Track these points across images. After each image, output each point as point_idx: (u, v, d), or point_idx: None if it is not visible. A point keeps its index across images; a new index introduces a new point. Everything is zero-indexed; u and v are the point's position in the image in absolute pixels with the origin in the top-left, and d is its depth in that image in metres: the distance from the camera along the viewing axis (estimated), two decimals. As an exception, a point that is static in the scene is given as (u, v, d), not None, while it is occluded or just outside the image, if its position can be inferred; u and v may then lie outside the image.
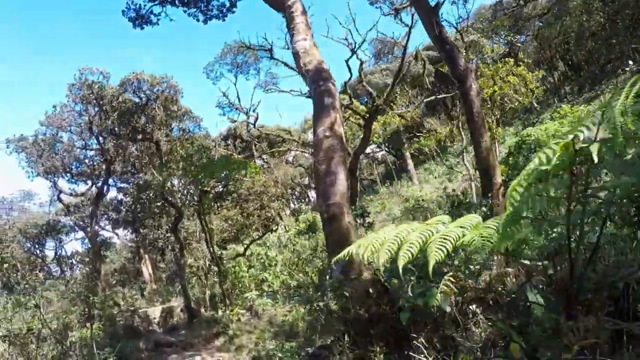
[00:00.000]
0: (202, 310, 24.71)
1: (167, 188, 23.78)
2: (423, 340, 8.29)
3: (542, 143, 23.01)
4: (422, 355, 8.48)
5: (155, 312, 27.04)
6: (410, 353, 8.80)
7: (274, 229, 29.17)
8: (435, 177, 47.51)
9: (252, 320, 21.37)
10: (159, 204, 40.27)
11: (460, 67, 16.28)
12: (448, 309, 7.49)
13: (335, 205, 12.30)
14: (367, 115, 25.97)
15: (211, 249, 23.77)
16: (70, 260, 47.57)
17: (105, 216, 47.56)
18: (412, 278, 8.92)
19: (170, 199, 24.53)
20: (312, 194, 54.81)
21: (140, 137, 27.92)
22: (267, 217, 28.11)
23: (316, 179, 13.38)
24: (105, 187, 38.71)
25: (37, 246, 45.98)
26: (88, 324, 22.28)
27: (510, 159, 23.51)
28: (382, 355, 8.65)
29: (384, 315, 9.57)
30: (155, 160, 31.87)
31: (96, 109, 32.24)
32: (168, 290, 33.95)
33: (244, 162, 19.49)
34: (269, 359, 14.55)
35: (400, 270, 4.93)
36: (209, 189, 22.07)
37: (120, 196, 46.05)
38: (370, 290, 9.88)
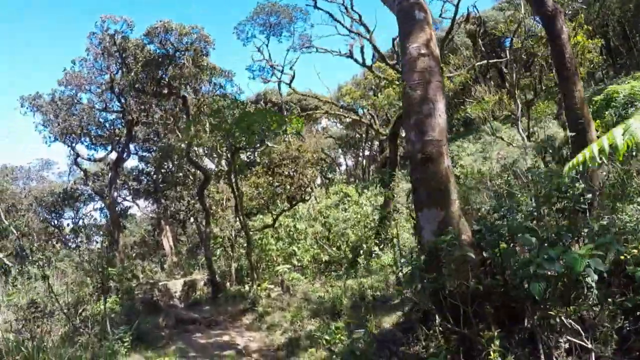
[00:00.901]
0: (228, 284, 22.80)
1: (193, 148, 21.74)
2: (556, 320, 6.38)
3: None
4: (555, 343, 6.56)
5: (176, 285, 25.20)
6: (535, 337, 6.91)
7: (306, 198, 26.95)
8: (468, 154, 45.30)
9: (284, 297, 19.39)
10: (181, 173, 38.69)
11: (548, 6, 13.95)
12: (595, 278, 5.63)
13: (433, 144, 9.92)
14: None
15: (240, 217, 21.75)
16: (88, 230, 45.75)
17: (126, 186, 45.77)
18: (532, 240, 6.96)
19: (196, 160, 22.58)
20: (343, 166, 53.10)
21: (165, 91, 25.38)
22: (299, 186, 25.92)
23: (407, 108, 10.63)
24: (126, 152, 36.26)
25: (53, 215, 44.02)
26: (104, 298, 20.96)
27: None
28: (497, 341, 6.62)
29: (491, 288, 7.55)
30: (181, 122, 29.51)
31: (119, 62, 29.82)
32: (189, 263, 32.13)
33: (283, 116, 17.08)
34: (311, 341, 12.59)
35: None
36: (242, 146, 19.86)
37: (141, 165, 44.39)
38: (472, 256, 7.89)
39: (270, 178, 26.55)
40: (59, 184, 48.64)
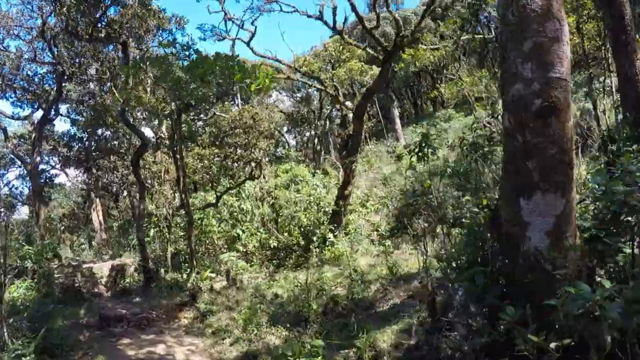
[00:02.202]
0: (163, 271, 19.78)
1: (132, 110, 18.49)
2: None
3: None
4: None
5: (103, 269, 22.02)
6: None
7: (256, 175, 23.87)
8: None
9: (230, 291, 16.57)
10: (117, 141, 35.17)
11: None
12: None
13: (561, 85, 6.48)
14: (389, 48, 20.71)
15: (182, 193, 18.65)
16: (7, 199, 41.70)
17: (55, 152, 41.90)
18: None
19: (133, 122, 19.44)
20: (292, 144, 50.08)
21: (103, 35, 21.39)
22: (250, 160, 23.00)
23: (517, 26, 6.63)
24: (54, 111, 32.25)
25: None
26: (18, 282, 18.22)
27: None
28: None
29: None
30: (119, 80, 25.50)
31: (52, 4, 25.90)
32: (120, 242, 28.82)
33: (249, 66, 13.51)
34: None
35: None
36: (192, 103, 16.40)
37: (74, 130, 40.53)
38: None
39: (217, 150, 23.47)
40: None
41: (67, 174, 44.29)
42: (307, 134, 50.43)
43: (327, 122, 45.99)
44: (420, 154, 9.46)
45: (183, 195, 18.61)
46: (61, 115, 38.29)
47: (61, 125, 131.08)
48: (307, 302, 12.72)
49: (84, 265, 22.40)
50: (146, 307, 16.32)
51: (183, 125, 17.09)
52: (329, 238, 21.16)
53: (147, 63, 12.73)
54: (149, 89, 19.10)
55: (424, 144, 9.19)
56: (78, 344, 12.53)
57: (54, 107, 31.69)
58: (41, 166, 43.38)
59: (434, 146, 9.38)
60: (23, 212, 48.52)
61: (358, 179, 28.52)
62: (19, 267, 20.65)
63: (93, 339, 13.20)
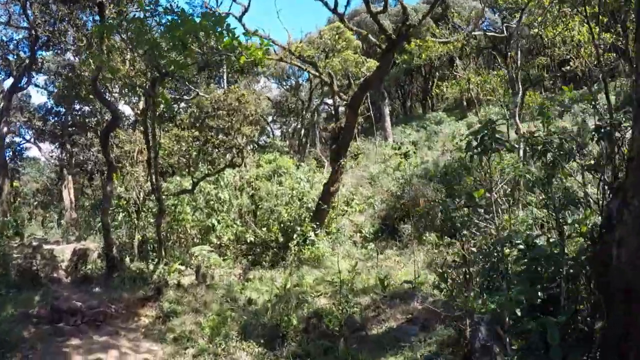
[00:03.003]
0: (128, 260, 18.11)
1: (103, 75, 16.68)
2: None
3: None
4: None
5: (65, 252, 20.48)
6: None
7: (237, 163, 22.14)
8: (411, 142, 42.09)
9: (199, 289, 15.02)
10: (96, 118, 33.44)
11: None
12: None
13: None
14: (393, 37, 18.97)
15: (153, 176, 16.99)
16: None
17: (29, 124, 40.24)
18: None
19: (105, 93, 17.74)
20: (277, 134, 48.43)
21: None
22: (232, 146, 21.38)
23: None
24: (25, 78, 30.32)
25: None
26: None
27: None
28: None
29: None
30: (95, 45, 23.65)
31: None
32: (89, 223, 27.09)
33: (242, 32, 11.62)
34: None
35: None
36: (169, 71, 14.36)
37: (50, 103, 39.10)
38: None
39: (197, 132, 21.79)
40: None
41: (40, 148, 42.73)
42: (293, 125, 49.04)
43: (315, 115, 44.50)
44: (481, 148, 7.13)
45: (154, 179, 16.93)
46: (37, 86, 36.75)
47: (39, 98, 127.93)
48: (285, 313, 11.16)
49: (46, 247, 20.97)
50: (105, 299, 14.78)
51: (159, 100, 15.31)
52: (310, 236, 19.49)
53: (124, 25, 11.08)
54: (127, 59, 17.46)
55: (488, 137, 6.96)
56: (20, 342, 11.01)
57: (26, 74, 29.66)
58: (13, 138, 41.93)
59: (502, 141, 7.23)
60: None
61: (344, 176, 27.14)
62: None
63: (39, 337, 11.62)
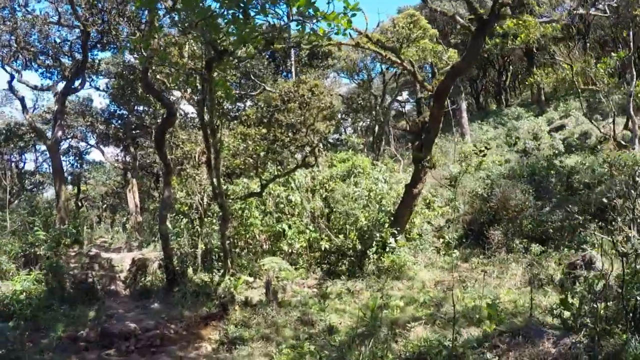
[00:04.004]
0: (190, 271, 16.26)
1: (155, 64, 14.76)
2: None
3: None
4: None
5: (124, 262, 19.10)
6: None
7: (311, 163, 19.94)
8: (489, 138, 39.46)
9: (270, 309, 12.99)
10: (159, 118, 32.05)
11: None
12: None
13: None
14: (484, 17, 16.42)
15: (214, 179, 14.93)
16: (35, 178, 39.02)
17: (92, 128, 39.27)
18: None
19: (155, 85, 15.87)
20: (349, 131, 46.19)
21: None
22: (304, 144, 19.32)
23: None
24: (79, 80, 28.99)
25: None
26: (25, 272, 16.15)
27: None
28: None
29: None
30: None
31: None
32: (152, 229, 25.56)
33: None
34: None
35: None
36: (227, 47, 11.89)
37: (113, 107, 38.30)
38: None
39: (264, 130, 19.77)
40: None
41: (103, 152, 42.00)
42: (361, 123, 46.88)
43: (389, 111, 42.30)
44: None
45: (215, 182, 14.87)
46: (98, 89, 35.83)
47: (101, 102, 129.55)
48: (378, 351, 8.83)
49: (104, 256, 19.86)
50: (164, 318, 13.10)
51: (217, 88, 13.15)
52: (390, 243, 17.70)
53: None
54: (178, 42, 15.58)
55: None
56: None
57: (79, 75, 28.20)
58: (76, 143, 41.17)
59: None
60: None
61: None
62: (29, 255, 18.20)
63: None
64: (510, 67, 54.73)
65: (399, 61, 19.38)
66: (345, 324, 11.52)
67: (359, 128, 47.58)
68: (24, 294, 13.76)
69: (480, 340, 8.92)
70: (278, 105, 19.80)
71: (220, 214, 16.13)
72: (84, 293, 15.05)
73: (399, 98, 43.39)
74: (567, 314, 9.03)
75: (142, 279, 16.89)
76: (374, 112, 40.05)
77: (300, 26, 8.03)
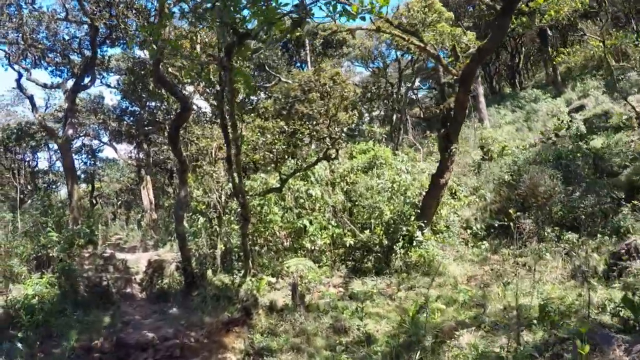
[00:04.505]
0: (210, 272, 15.43)
1: (167, 55, 13.76)
2: None
3: None
4: None
5: (139, 262, 18.36)
6: None
7: (332, 155, 18.96)
8: (508, 122, 38.42)
9: (298, 315, 12.08)
10: (171, 114, 31.29)
11: None
12: None
13: None
14: None
15: (234, 175, 14.00)
16: (48, 177, 38.36)
17: (104, 125, 38.63)
18: None
19: (170, 80, 14.96)
20: (366, 119, 45.34)
21: None
22: (325, 136, 18.36)
23: None
24: (88, 76, 28.06)
25: (8, 156, 35.83)
26: (37, 275, 15.21)
27: None
28: None
29: None
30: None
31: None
32: (167, 227, 24.80)
33: None
34: None
35: None
36: (249, 28, 10.54)
37: (125, 103, 37.66)
38: None
39: (283, 123, 18.82)
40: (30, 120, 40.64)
41: (116, 150, 41.57)
42: (376, 112, 45.99)
43: (406, 98, 41.31)
44: None
45: (236, 179, 13.94)
46: (109, 86, 35.25)
47: (113, 99, 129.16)
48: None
49: (119, 256, 19.05)
50: (183, 324, 12.28)
51: (237, 78, 12.12)
52: (417, 237, 16.79)
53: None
54: (198, 43, 14.65)
55: None
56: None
57: (89, 71, 27.33)
58: (89, 141, 40.68)
59: None
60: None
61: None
62: (41, 257, 17.30)
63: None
64: (523, 48, 53.45)
65: (422, 45, 18.46)
66: (382, 330, 10.61)
67: (375, 117, 46.78)
68: (36, 298, 13.11)
69: (539, 348, 7.90)
70: (297, 96, 18.83)
71: (240, 212, 15.30)
72: (98, 296, 14.45)
73: (407, 85, 42.39)
74: (627, 313, 8.16)
75: (159, 281, 16.10)
76: (390, 100, 39.19)
77: (331, 2, 7.13)
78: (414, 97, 54.07)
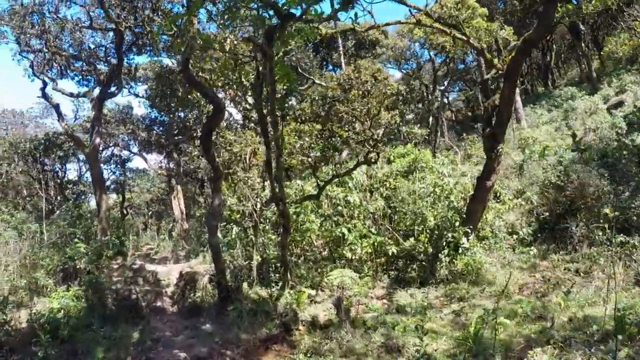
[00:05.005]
0: (245, 285, 14.46)
1: (197, 52, 12.74)
2: None
3: None
4: None
5: (171, 274, 17.54)
6: None
7: (373, 159, 17.81)
8: (545, 122, 37.25)
9: (344, 333, 11.04)
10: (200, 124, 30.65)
11: None
12: None
13: None
14: None
15: (274, 181, 12.84)
16: (76, 187, 37.78)
17: (133, 136, 38.24)
18: None
19: (200, 77, 13.93)
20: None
21: None
22: (366, 139, 17.29)
23: None
24: (115, 84, 27.23)
25: (36, 166, 35.28)
26: (63, 288, 14.59)
27: None
28: None
29: None
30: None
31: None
32: (199, 237, 24.00)
33: None
34: None
35: None
36: (295, 7, 9.45)
37: (154, 113, 37.33)
38: None
39: (319, 126, 17.78)
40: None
41: (146, 160, 41.30)
42: (410, 115, 45.17)
43: (442, 100, 40.39)
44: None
45: (276, 187, 12.80)
46: (137, 96, 34.85)
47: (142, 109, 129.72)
48: None
49: (149, 268, 18.40)
50: (218, 342, 11.37)
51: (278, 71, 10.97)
52: (463, 244, 15.86)
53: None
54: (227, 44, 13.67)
55: None
56: None
57: (115, 78, 26.52)
58: (118, 152, 40.35)
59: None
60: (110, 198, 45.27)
61: (482, 165, 22.91)
62: (68, 269, 16.75)
63: None
64: (554, 46, 52.25)
65: (465, 38, 17.40)
66: (440, 349, 9.54)
67: (409, 121, 46.11)
68: (62, 311, 12.57)
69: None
70: (337, 96, 17.79)
71: (279, 221, 14.36)
72: (127, 310, 13.82)
73: (441, 88, 41.52)
74: None
75: (191, 294, 15.30)
76: (425, 103, 38.25)
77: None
78: (445, 100, 53.42)
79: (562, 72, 60.14)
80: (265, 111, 12.56)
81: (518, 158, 25.73)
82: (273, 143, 12.34)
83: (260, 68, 12.04)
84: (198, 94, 18.58)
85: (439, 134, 36.83)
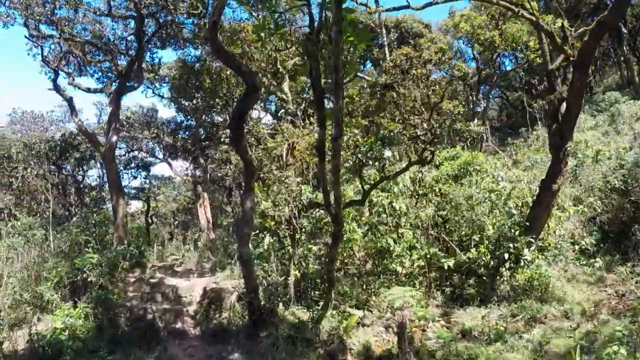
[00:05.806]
0: (281, 306, 12.38)
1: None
2: None
3: None
4: None
5: (193, 290, 15.74)
6: None
7: (427, 158, 15.41)
8: (590, 127, 35.43)
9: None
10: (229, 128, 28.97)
11: None
12: None
13: None
14: None
15: (328, 176, 10.17)
16: (96, 193, 36.18)
17: (158, 140, 36.90)
18: None
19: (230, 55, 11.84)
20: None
21: None
22: (419, 135, 15.24)
23: None
24: (135, 78, 25.32)
25: (52, 169, 33.73)
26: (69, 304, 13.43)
27: None
28: None
29: None
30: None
31: None
32: (226, 247, 22.06)
33: None
34: None
35: None
36: None
37: (180, 117, 36.17)
38: None
39: (365, 122, 15.63)
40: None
41: (171, 166, 39.41)
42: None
43: (488, 101, 38.68)
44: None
45: (329, 184, 10.08)
46: (162, 97, 34.41)
47: (165, 111, 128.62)
48: None
49: (170, 282, 16.80)
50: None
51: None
52: (524, 256, 14.01)
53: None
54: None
55: None
56: None
57: (134, 72, 24.53)
58: (144, 157, 39.06)
59: None
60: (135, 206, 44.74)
61: (532, 170, 22.05)
62: (77, 282, 15.13)
63: None
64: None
65: (533, 18, 15.26)
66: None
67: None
68: (66, 332, 11.75)
69: None
70: (390, 81, 15.66)
71: (314, 230, 12.28)
72: (141, 332, 12.69)
73: (490, 87, 39.82)
74: None
75: (217, 315, 13.62)
76: (471, 104, 36.38)
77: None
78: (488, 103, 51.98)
79: (596, 79, 59.09)
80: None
81: (571, 163, 23.78)
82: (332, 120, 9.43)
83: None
84: (225, 84, 16.47)
85: (484, 137, 34.96)
